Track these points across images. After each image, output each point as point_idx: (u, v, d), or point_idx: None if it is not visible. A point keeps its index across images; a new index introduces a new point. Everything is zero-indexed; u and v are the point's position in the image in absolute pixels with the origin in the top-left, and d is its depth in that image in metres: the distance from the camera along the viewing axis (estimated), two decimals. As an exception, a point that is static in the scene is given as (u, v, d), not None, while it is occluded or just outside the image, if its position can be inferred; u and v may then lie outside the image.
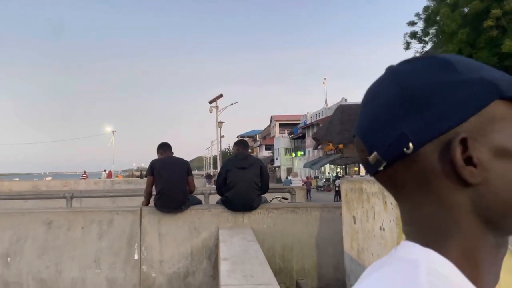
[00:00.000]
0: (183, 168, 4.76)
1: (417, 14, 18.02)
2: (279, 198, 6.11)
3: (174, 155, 4.99)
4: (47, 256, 4.66)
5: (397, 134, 0.44)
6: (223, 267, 3.08)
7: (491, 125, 0.43)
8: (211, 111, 28.24)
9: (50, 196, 7.02)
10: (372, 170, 0.48)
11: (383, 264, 0.45)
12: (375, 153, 0.46)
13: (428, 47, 18.41)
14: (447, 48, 15.87)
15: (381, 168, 0.47)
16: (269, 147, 63.96)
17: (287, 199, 6.01)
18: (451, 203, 0.44)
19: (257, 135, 77.73)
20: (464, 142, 0.43)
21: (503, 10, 13.69)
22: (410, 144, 0.43)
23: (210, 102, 28.41)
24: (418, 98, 0.44)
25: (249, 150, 5.37)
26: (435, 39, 17.88)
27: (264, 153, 64.37)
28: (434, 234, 0.44)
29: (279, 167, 55.19)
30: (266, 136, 70.27)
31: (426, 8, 17.76)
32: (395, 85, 0.46)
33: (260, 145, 70.32)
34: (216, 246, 4.56)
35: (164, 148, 4.95)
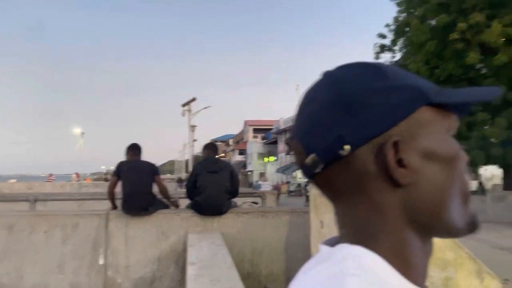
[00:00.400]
0: (150, 170, 4.71)
1: (387, 25, 18.50)
2: (249, 203, 6.13)
3: (144, 158, 4.92)
4: (8, 261, 4.49)
5: (333, 137, 0.46)
6: (190, 271, 3.06)
7: (419, 130, 0.46)
8: (183, 115, 28.03)
9: (13, 199, 6.77)
10: (309, 173, 0.49)
11: (315, 264, 0.46)
12: (313, 155, 0.47)
13: (398, 56, 18.92)
14: (415, 58, 16.35)
15: (318, 170, 0.48)
16: (243, 152, 63.91)
17: (257, 203, 6.03)
18: (383, 203, 0.46)
19: (231, 140, 77.59)
20: (396, 145, 0.45)
21: (468, 24, 14.25)
22: (346, 146, 0.45)
23: (183, 105, 28.20)
24: (353, 102, 0.46)
25: (223, 154, 5.37)
26: (404, 49, 18.39)
27: (237, 158, 64.24)
28: (367, 234, 0.46)
29: (251, 172, 55.24)
30: (239, 141, 70.21)
31: (396, 19, 18.26)
32: (331, 90, 0.48)
33: (233, 150, 70.19)
34: (185, 250, 4.51)
35: (134, 150, 4.86)
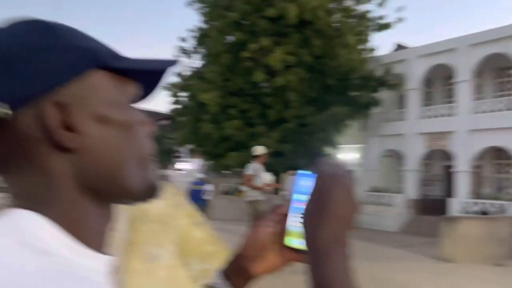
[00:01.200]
0: None
1: (190, 30, 19.19)
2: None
3: None
4: None
5: None
6: None
7: (91, 93, 0.45)
8: None
9: None
10: None
11: None
12: None
13: (197, 63, 19.80)
14: (212, 68, 17.46)
15: None
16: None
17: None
18: (51, 169, 0.44)
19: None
20: (62, 107, 0.43)
21: (258, 46, 16.09)
22: (3, 108, 0.41)
23: None
24: (10, 59, 0.42)
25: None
26: (205, 58, 19.38)
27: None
28: (37, 200, 0.43)
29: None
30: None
31: (199, 28, 19.10)
32: None
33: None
34: None
35: None
